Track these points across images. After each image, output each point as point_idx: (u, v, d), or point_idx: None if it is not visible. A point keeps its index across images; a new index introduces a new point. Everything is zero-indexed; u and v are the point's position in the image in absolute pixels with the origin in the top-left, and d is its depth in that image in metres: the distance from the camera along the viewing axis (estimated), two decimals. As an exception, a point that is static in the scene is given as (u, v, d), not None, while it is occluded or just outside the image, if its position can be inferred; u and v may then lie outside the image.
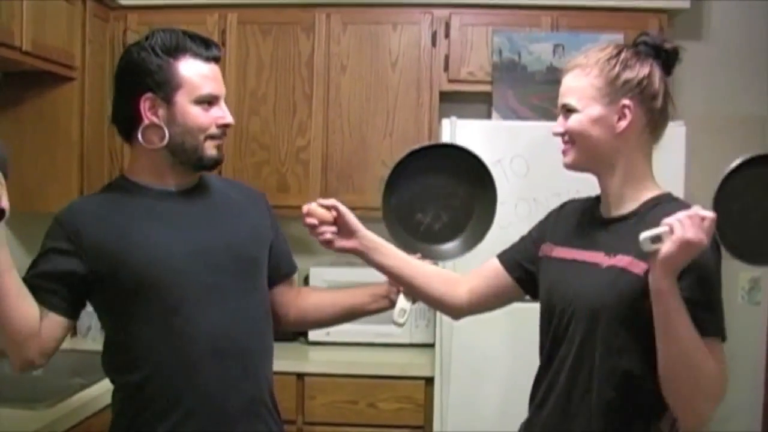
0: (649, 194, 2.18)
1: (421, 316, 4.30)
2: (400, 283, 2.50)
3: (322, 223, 2.35)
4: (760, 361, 4.72)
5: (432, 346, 3.98)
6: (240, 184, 2.68)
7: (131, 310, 2.25)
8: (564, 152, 2.25)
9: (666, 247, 1.90)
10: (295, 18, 4.44)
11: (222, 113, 2.33)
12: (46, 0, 3.75)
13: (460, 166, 2.57)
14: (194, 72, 2.29)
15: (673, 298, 1.94)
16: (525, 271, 2.44)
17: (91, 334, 4.32)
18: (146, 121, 2.27)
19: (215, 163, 2.37)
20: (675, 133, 3.82)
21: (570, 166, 2.26)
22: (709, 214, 1.90)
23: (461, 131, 3.84)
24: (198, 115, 2.29)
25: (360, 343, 4.32)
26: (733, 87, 4.77)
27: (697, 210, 1.90)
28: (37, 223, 4.45)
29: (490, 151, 3.81)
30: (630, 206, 2.19)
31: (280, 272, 2.62)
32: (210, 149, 2.32)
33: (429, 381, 4.02)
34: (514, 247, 2.51)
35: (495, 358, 3.83)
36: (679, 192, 3.69)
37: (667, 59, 2.19)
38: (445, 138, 3.82)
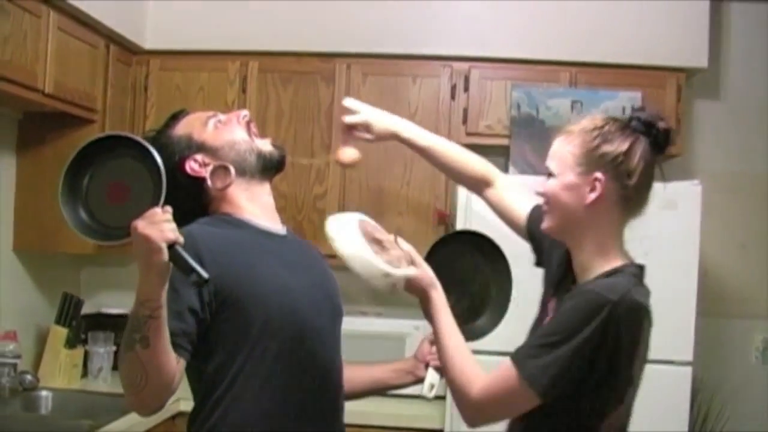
0: (606, 267, 2.16)
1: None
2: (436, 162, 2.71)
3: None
4: (774, 422, 4.69)
5: (443, 398, 3.96)
6: (310, 242, 2.67)
7: (246, 346, 2.18)
8: (543, 215, 2.29)
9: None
10: (315, 67, 4.47)
11: (233, 115, 2.42)
12: (70, 43, 3.80)
13: (483, 254, 2.64)
14: (183, 123, 2.40)
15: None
16: (535, 236, 2.50)
17: (102, 375, 4.32)
18: (205, 174, 2.32)
19: (280, 158, 2.42)
20: (690, 191, 3.83)
21: (546, 231, 2.29)
22: None
23: (478, 184, 3.84)
24: (221, 129, 2.37)
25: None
26: (750, 146, 4.78)
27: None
28: (54, 265, 4.51)
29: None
30: (589, 278, 2.20)
31: None
32: (264, 146, 2.39)
33: (438, 434, 4.00)
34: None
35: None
36: (694, 250, 3.73)
37: (657, 137, 2.18)
38: (462, 191, 3.83)
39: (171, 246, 1.90)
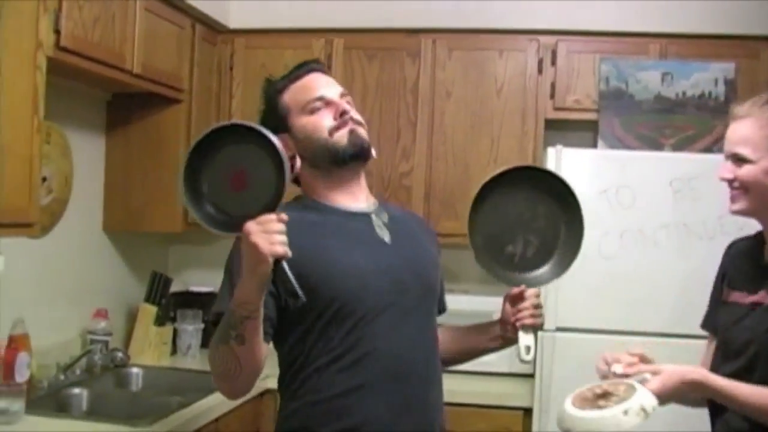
0: None
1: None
2: None
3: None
4: None
5: (531, 376, 3.92)
6: (415, 214, 2.73)
7: (316, 327, 2.23)
8: (733, 198, 2.27)
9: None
10: (400, 43, 4.44)
11: (335, 105, 2.36)
12: (157, 24, 3.83)
13: (537, 187, 2.56)
14: (294, 91, 2.38)
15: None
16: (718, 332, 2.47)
17: (191, 353, 4.36)
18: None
19: (357, 152, 2.35)
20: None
21: (738, 213, 2.29)
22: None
23: (567, 160, 3.79)
24: (310, 121, 2.34)
25: (458, 371, 4.28)
26: None
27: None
28: (143, 244, 4.56)
29: (596, 181, 3.75)
30: None
31: (438, 307, 2.59)
32: (340, 141, 2.33)
33: (527, 412, 3.96)
34: (710, 312, 2.52)
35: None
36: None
37: None
38: (551, 166, 3.78)
39: (278, 260, 1.93)
